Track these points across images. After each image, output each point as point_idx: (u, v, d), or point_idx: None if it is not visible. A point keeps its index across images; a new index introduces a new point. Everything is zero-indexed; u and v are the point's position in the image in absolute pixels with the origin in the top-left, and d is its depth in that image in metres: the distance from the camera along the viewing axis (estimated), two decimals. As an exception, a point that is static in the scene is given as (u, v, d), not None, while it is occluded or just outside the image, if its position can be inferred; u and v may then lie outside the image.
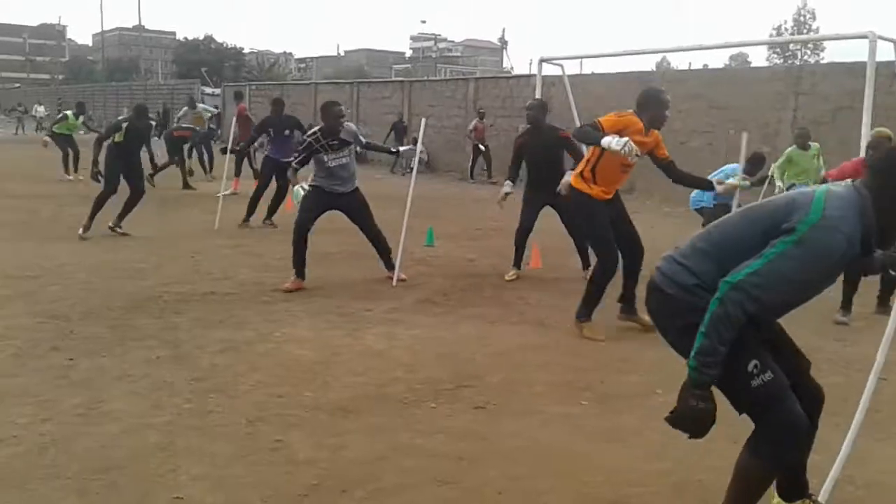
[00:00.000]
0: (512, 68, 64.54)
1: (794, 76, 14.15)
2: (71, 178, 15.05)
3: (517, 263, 7.41)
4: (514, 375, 4.47)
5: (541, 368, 4.60)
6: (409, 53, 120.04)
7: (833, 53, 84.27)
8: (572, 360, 4.78)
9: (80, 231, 8.78)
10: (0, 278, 6.61)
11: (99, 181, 9.04)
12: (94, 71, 78.60)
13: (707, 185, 5.70)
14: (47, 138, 15.69)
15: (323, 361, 4.57)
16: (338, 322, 5.48)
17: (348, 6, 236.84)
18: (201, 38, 58.08)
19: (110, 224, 9.05)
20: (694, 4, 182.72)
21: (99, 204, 8.96)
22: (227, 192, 11.17)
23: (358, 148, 7.02)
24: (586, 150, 6.41)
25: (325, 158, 6.60)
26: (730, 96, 14.82)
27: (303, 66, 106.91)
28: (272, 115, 10.40)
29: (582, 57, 15.52)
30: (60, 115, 16.21)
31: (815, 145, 9.24)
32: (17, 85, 79.53)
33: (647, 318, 5.04)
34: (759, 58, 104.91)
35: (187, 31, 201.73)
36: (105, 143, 9.09)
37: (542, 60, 15.99)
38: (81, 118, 15.87)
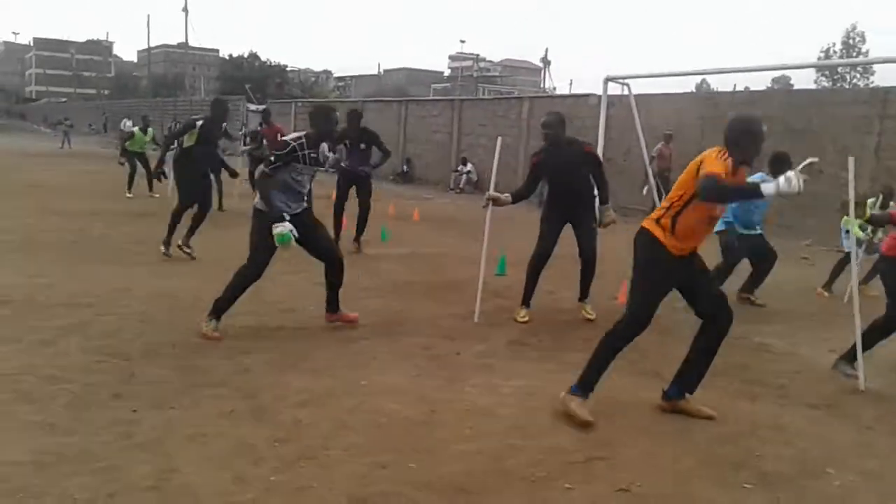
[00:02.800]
0: (555, 88, 64.06)
1: (879, 98, 13.30)
2: (130, 195, 14.71)
3: (527, 300, 6.56)
4: (649, 445, 3.79)
5: (679, 436, 3.92)
6: (447, 73, 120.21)
7: (883, 77, 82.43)
8: (711, 425, 4.08)
9: (162, 249, 8.49)
10: (52, 306, 6.10)
11: (161, 180, 8.68)
12: (140, 87, 79.70)
13: None
14: (123, 160, 15.46)
15: (423, 421, 3.92)
16: (428, 368, 4.84)
17: (386, 25, 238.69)
18: (245, 55, 58.29)
19: (179, 243, 8.62)
20: (736, 26, 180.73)
21: (176, 217, 8.62)
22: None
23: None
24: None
25: (297, 169, 5.41)
26: (808, 120, 14.01)
27: (342, 84, 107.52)
28: (349, 128, 9.84)
29: (648, 76, 14.80)
30: (128, 131, 16.07)
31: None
32: (64, 99, 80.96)
33: (704, 409, 4.27)
34: (800, 81, 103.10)
35: (229, 48, 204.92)
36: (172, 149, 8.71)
37: (607, 79, 15.33)
38: (150, 131, 15.72)
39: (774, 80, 66.65)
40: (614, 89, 15.57)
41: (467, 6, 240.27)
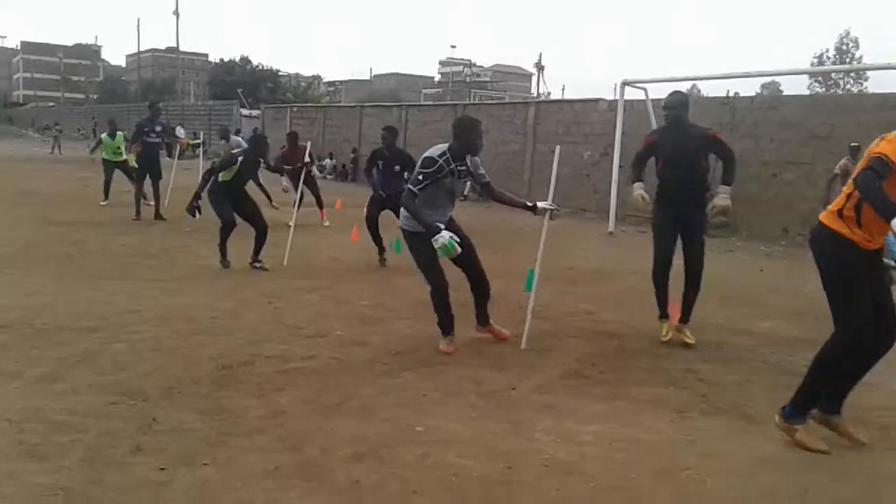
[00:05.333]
0: (549, 93, 63.71)
1: (908, 104, 12.83)
2: (105, 203, 13.98)
3: (664, 312, 6.09)
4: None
5: (802, 500, 3.35)
6: (438, 78, 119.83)
7: (879, 83, 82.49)
8: (832, 486, 3.52)
9: (220, 266, 8.39)
10: (53, 331, 5.51)
11: (195, 216, 8.24)
12: (129, 91, 78.80)
13: None
14: (93, 156, 14.63)
15: (500, 481, 3.35)
16: (485, 409, 4.27)
17: (376, 31, 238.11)
18: (237, 59, 57.56)
19: (249, 261, 8.45)
20: (726, 32, 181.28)
21: (223, 236, 8.41)
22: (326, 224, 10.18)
23: (478, 184, 5.73)
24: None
25: (446, 185, 5.40)
26: (832, 125, 13.54)
27: (332, 89, 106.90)
28: (382, 148, 9.21)
29: (666, 80, 14.35)
30: (95, 139, 15.13)
31: None
32: (52, 104, 79.96)
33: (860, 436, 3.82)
34: (791, 87, 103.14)
35: (219, 53, 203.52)
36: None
37: (624, 83, 14.93)
38: (119, 136, 14.40)
39: (763, 86, 66.57)
40: (626, 94, 15.11)
41: (457, 12, 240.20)
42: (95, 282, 7.33)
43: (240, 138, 18.76)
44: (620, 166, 14.85)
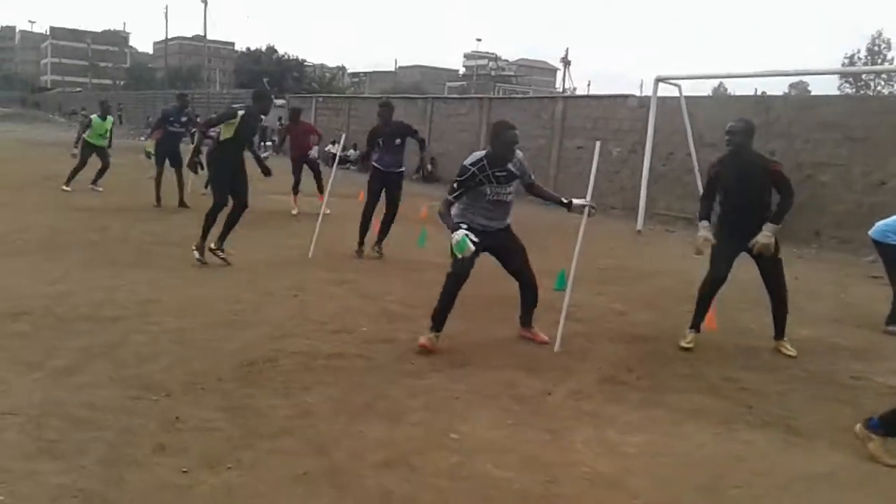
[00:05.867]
0: (575, 88, 63.28)
1: (952, 106, 12.43)
2: (68, 188, 13.36)
3: (696, 323, 5.88)
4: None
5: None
6: (462, 71, 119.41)
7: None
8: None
9: (196, 254, 7.69)
10: (74, 320, 5.39)
11: (196, 172, 7.96)
12: (155, 78, 79.22)
13: None
14: (76, 151, 13.80)
15: (541, 495, 3.16)
16: (521, 414, 4.09)
17: (401, 22, 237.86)
18: (263, 49, 57.56)
19: (211, 246, 7.86)
20: (755, 30, 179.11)
21: (210, 219, 7.80)
22: (327, 212, 9.91)
23: (522, 184, 5.56)
24: None
25: (488, 191, 5.25)
26: (869, 127, 13.17)
27: (356, 80, 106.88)
28: (380, 125, 9.07)
29: (700, 77, 14.09)
30: (83, 122, 14.25)
31: None
32: (79, 89, 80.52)
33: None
34: (820, 88, 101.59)
35: (244, 42, 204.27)
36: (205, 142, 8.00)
37: (657, 80, 14.62)
38: (110, 119, 14.09)
39: (792, 86, 65.69)
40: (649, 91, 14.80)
41: (483, 4, 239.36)
42: (118, 269, 7.22)
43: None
44: (651, 164, 14.60)
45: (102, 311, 5.66)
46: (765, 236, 5.47)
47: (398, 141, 8.95)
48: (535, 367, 4.99)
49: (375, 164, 9.14)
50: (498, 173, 5.23)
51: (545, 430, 3.86)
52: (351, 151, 26.61)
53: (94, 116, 14.09)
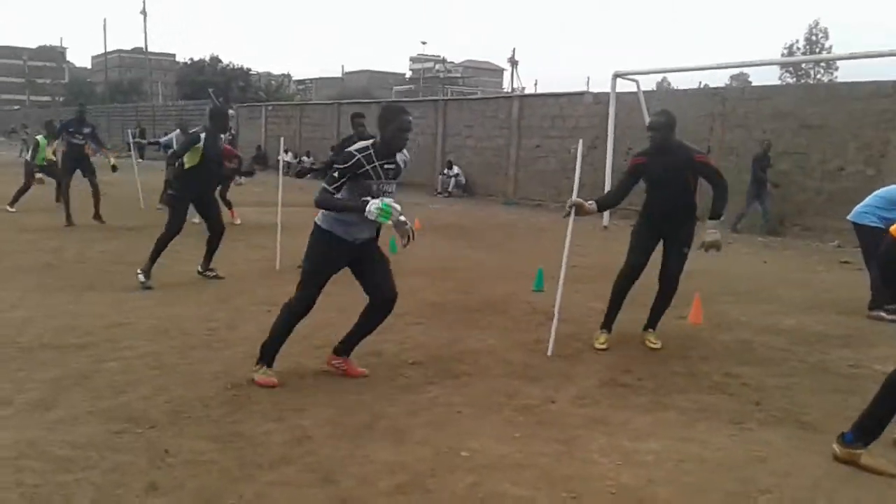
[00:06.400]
0: (523, 88, 63.53)
1: (903, 92, 12.66)
2: (13, 210, 12.95)
3: (609, 324, 5.67)
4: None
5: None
6: (409, 74, 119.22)
7: (848, 73, 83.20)
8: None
9: (141, 278, 7.21)
10: (37, 349, 5.06)
11: (173, 205, 7.58)
12: (95, 93, 77.32)
13: None
14: (40, 175, 13.13)
15: (567, 512, 2.99)
16: (528, 426, 3.91)
17: (345, 28, 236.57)
18: (206, 59, 56.48)
19: (199, 269, 7.71)
20: (694, 25, 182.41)
21: (162, 245, 7.37)
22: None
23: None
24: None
25: (373, 188, 4.29)
26: (824, 115, 13.36)
27: (302, 87, 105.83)
28: (355, 135, 8.75)
29: (657, 71, 14.16)
30: (33, 144, 13.71)
31: None
32: (17, 107, 78.25)
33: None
34: (759, 77, 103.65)
35: (185, 53, 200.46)
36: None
37: (615, 75, 14.64)
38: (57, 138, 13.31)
39: (733, 78, 66.99)
40: (600, 87, 14.84)
41: (426, 7, 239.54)
42: (78, 293, 6.86)
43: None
44: (613, 160, 14.59)
45: (68, 339, 5.33)
46: (711, 234, 5.34)
47: None
48: (531, 374, 4.83)
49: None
50: (387, 166, 4.31)
51: (556, 441, 3.69)
52: (305, 158, 26.24)
53: (39, 138, 13.60)
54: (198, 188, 7.49)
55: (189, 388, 4.35)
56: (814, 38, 64.79)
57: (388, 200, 4.09)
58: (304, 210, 12.54)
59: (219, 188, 9.18)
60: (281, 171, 9.37)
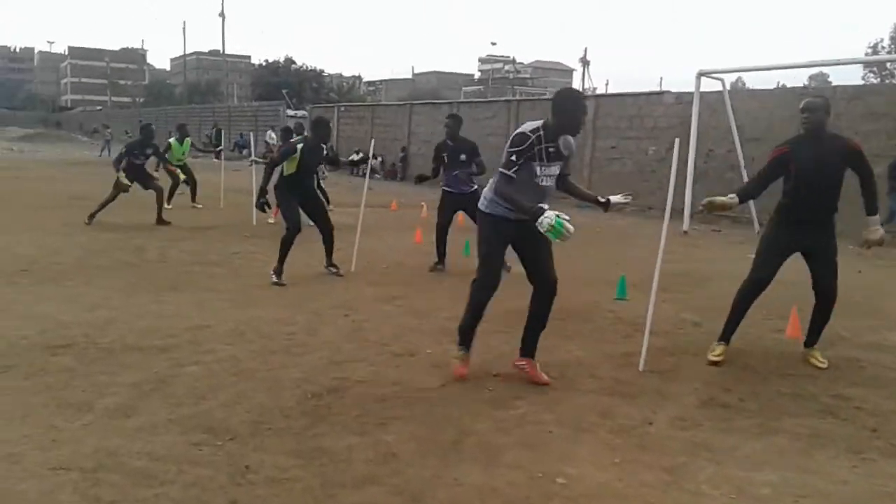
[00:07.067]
0: (595, 88, 62.66)
1: None
2: (169, 206, 13.30)
3: (727, 336, 5.26)
4: None
5: None
6: (477, 75, 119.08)
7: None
8: None
9: (273, 278, 7.48)
10: (120, 351, 5.02)
11: (265, 211, 7.74)
12: (173, 94, 79.56)
13: None
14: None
15: (682, 553, 2.72)
16: (626, 450, 3.64)
17: (415, 29, 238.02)
18: (281, 61, 57.46)
19: (325, 265, 8.04)
20: (772, 23, 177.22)
21: (286, 246, 7.58)
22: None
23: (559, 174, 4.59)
24: None
25: (538, 170, 4.34)
26: (924, 115, 12.59)
27: (372, 88, 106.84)
28: (447, 138, 8.60)
29: (742, 70, 13.57)
30: (165, 144, 14.15)
31: None
32: (99, 108, 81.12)
33: None
34: (840, 78, 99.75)
35: (260, 55, 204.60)
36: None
37: (699, 74, 14.10)
38: (188, 141, 14.31)
39: (811, 78, 64.58)
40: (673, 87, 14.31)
41: (497, 8, 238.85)
42: (160, 293, 6.87)
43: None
44: (684, 162, 14.07)
45: (150, 340, 5.29)
46: (874, 231, 4.95)
47: (463, 157, 8.43)
48: (624, 390, 4.54)
49: (445, 188, 8.69)
50: (550, 148, 4.31)
51: (660, 468, 3.41)
52: (372, 160, 26.22)
53: (172, 140, 14.15)
54: (297, 192, 7.67)
55: (269, 396, 4.22)
56: (901, 36, 61.87)
57: (564, 218, 4.08)
58: (377, 211, 12.52)
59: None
60: (369, 173, 9.28)
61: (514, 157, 4.23)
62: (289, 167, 7.57)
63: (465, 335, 4.68)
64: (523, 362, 4.70)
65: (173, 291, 6.94)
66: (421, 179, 8.96)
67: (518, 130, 4.35)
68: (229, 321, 5.90)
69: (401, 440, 3.65)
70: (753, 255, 5.28)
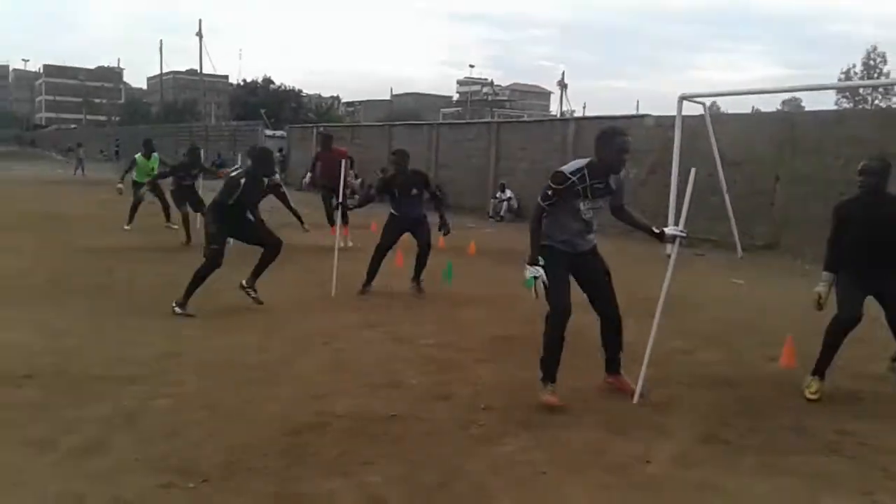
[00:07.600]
0: (573, 111, 63.05)
1: None
2: (127, 227, 13.07)
3: (821, 370, 5.11)
4: None
5: None
6: (456, 97, 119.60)
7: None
8: None
9: (176, 309, 6.83)
10: (87, 381, 4.75)
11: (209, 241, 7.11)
12: (150, 113, 78.94)
13: None
14: (120, 185, 13.58)
15: None
16: (626, 493, 3.44)
17: (392, 51, 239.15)
18: (259, 80, 57.23)
19: (243, 283, 7.28)
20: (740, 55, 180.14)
21: (199, 278, 6.95)
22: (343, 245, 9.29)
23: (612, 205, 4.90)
24: None
25: (581, 206, 4.63)
26: (906, 141, 12.61)
27: (351, 109, 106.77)
28: (396, 173, 8.48)
29: (724, 94, 13.54)
30: (130, 161, 14.02)
31: None
32: (74, 126, 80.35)
33: None
34: (812, 103, 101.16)
35: (238, 75, 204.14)
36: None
37: (681, 98, 14.05)
38: (155, 157, 13.76)
39: (784, 103, 65.49)
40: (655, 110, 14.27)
41: (473, 31, 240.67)
42: (130, 318, 6.59)
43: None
44: (665, 186, 14.00)
45: (118, 370, 5.02)
46: None
47: (414, 192, 8.35)
48: (618, 424, 4.35)
49: (393, 212, 8.56)
50: (597, 185, 4.61)
51: (664, 515, 3.20)
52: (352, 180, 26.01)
53: (138, 156, 13.76)
54: (230, 221, 7.09)
55: (244, 433, 3.97)
56: (871, 62, 63.02)
57: (542, 281, 4.46)
58: (356, 232, 12.26)
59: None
60: (342, 194, 9.02)
61: (549, 192, 4.55)
62: (227, 198, 7.01)
63: (549, 369, 4.69)
64: (612, 379, 5.01)
65: (143, 316, 6.67)
66: (357, 206, 9.25)
67: (559, 169, 4.64)
68: (201, 350, 5.64)
69: (386, 482, 3.42)
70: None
